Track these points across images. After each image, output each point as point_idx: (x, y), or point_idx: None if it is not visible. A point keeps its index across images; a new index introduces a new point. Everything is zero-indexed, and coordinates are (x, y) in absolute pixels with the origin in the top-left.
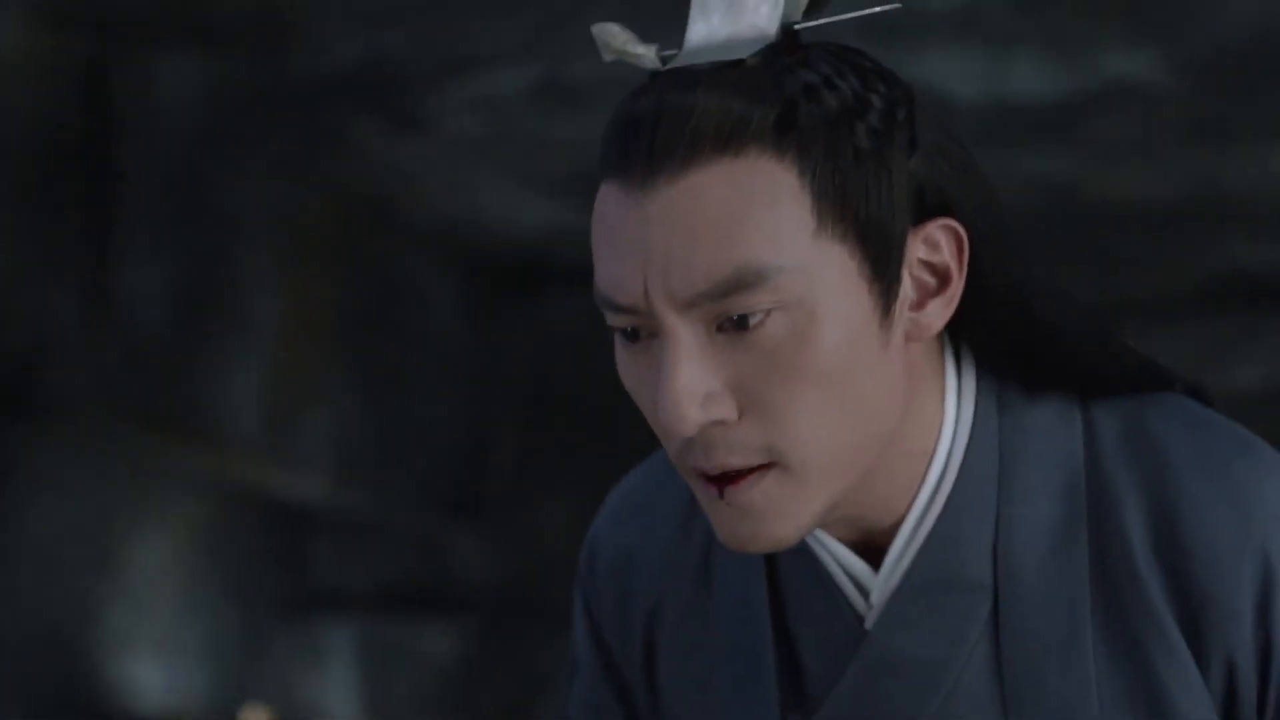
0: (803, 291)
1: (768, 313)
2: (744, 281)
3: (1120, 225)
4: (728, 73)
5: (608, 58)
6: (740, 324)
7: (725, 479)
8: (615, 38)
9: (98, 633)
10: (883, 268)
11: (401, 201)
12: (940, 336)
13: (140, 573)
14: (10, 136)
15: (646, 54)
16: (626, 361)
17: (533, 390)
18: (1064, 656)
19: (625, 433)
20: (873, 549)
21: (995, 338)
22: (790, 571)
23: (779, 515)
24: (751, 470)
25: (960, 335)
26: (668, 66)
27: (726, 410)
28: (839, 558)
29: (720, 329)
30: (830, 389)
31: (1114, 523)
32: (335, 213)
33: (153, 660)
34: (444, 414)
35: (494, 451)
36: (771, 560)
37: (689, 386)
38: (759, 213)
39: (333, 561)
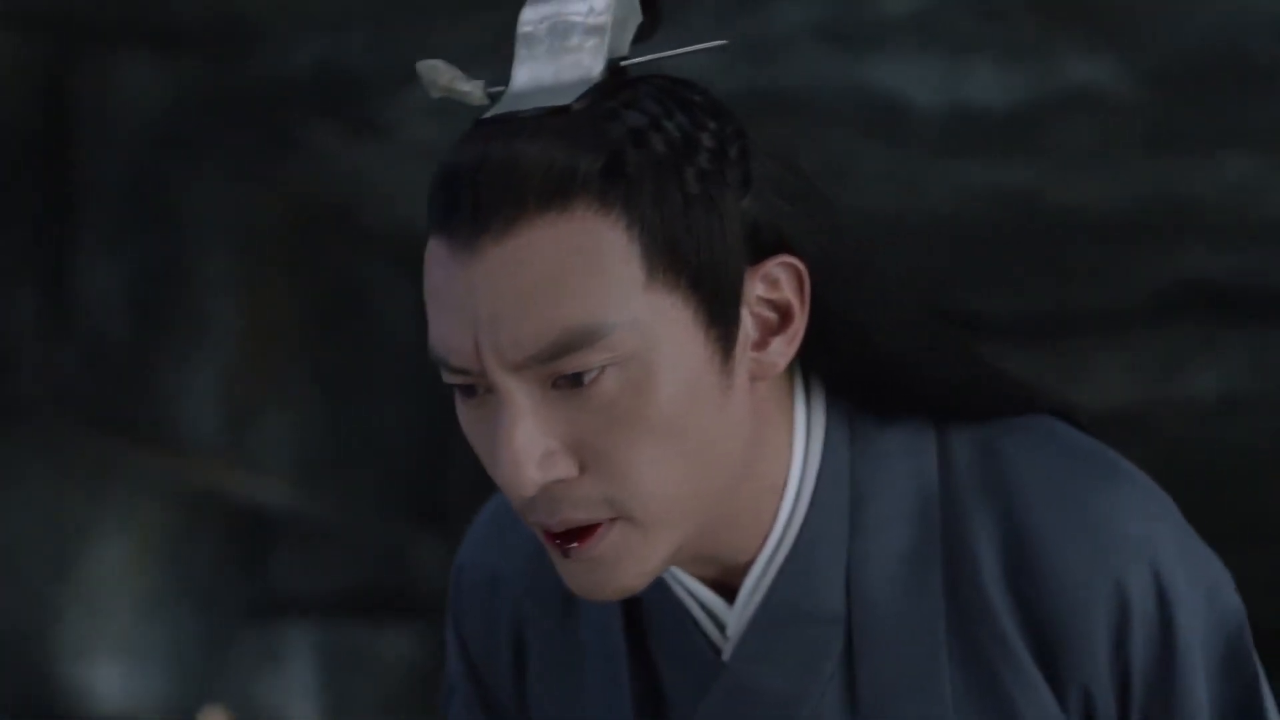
0: (636, 346)
1: (602, 369)
2: (574, 343)
3: (1078, 234)
4: (551, 121)
5: (434, 94)
6: (575, 381)
7: (569, 536)
8: (441, 75)
9: (56, 637)
10: (719, 312)
11: (360, 206)
12: (789, 370)
13: (99, 577)
14: None
15: (473, 91)
16: (466, 417)
17: None
18: (919, 687)
19: None
20: (727, 584)
21: (842, 368)
22: (650, 604)
23: (625, 565)
24: (596, 525)
25: (808, 366)
26: (491, 113)
27: (566, 468)
28: (694, 592)
29: (555, 386)
30: (670, 439)
31: (967, 552)
32: (294, 217)
33: (111, 664)
34: (404, 418)
35: (454, 455)
36: (633, 603)
37: (526, 447)
38: (586, 272)
39: (293, 566)
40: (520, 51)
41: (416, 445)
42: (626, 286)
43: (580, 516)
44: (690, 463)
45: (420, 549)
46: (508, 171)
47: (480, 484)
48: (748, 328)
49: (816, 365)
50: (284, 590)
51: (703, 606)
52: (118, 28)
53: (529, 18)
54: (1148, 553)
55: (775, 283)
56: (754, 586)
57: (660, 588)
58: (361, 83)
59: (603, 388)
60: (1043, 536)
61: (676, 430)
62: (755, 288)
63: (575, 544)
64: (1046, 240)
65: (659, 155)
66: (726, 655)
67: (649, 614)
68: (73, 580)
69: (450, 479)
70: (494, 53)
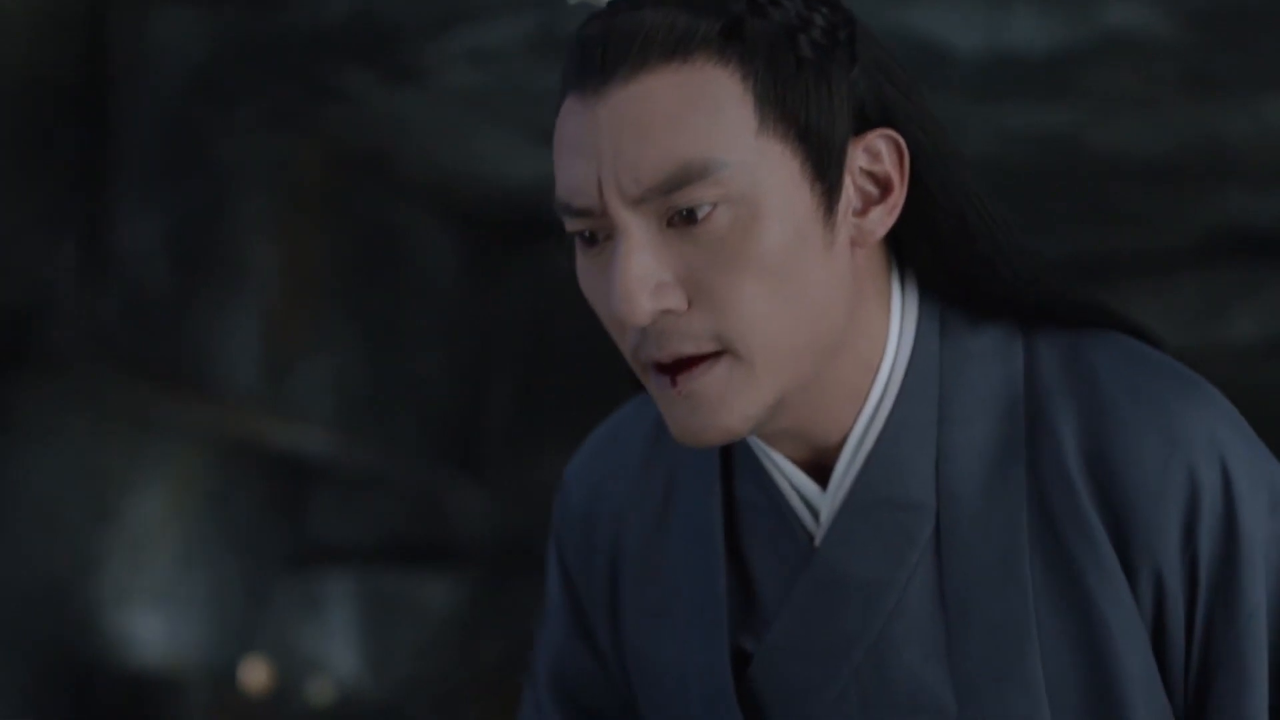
0: (747, 187)
1: (714, 206)
2: (689, 176)
3: (1119, 177)
4: None
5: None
6: (689, 217)
7: (678, 368)
8: None
9: (97, 585)
10: (824, 169)
11: (398, 153)
12: (888, 257)
13: (139, 526)
14: (6, 88)
15: None
16: (585, 267)
17: (531, 342)
18: (1002, 574)
19: (623, 386)
20: (822, 468)
21: (937, 256)
22: (746, 495)
23: (728, 404)
24: (703, 358)
25: (906, 258)
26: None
27: (676, 300)
28: (790, 476)
29: (671, 224)
30: (775, 280)
31: (1050, 445)
32: (331, 165)
33: (152, 613)
34: (442, 366)
35: (492, 403)
36: (729, 486)
37: (641, 276)
38: (703, 113)
39: (332, 514)
40: None
41: (454, 394)
42: (739, 130)
43: (688, 349)
44: (792, 306)
45: (458, 497)
46: (635, 29)
47: (518, 432)
48: (850, 193)
49: (914, 257)
50: (323, 538)
51: (799, 494)
52: None
53: None
54: (1218, 452)
55: (877, 155)
56: (845, 469)
57: (759, 477)
58: (397, 30)
59: (714, 224)
60: (1123, 426)
61: (781, 272)
62: (859, 157)
63: (683, 372)
64: (1087, 184)
65: (775, 24)
66: (818, 542)
67: (745, 506)
68: (113, 528)
69: (487, 428)
70: (531, 4)
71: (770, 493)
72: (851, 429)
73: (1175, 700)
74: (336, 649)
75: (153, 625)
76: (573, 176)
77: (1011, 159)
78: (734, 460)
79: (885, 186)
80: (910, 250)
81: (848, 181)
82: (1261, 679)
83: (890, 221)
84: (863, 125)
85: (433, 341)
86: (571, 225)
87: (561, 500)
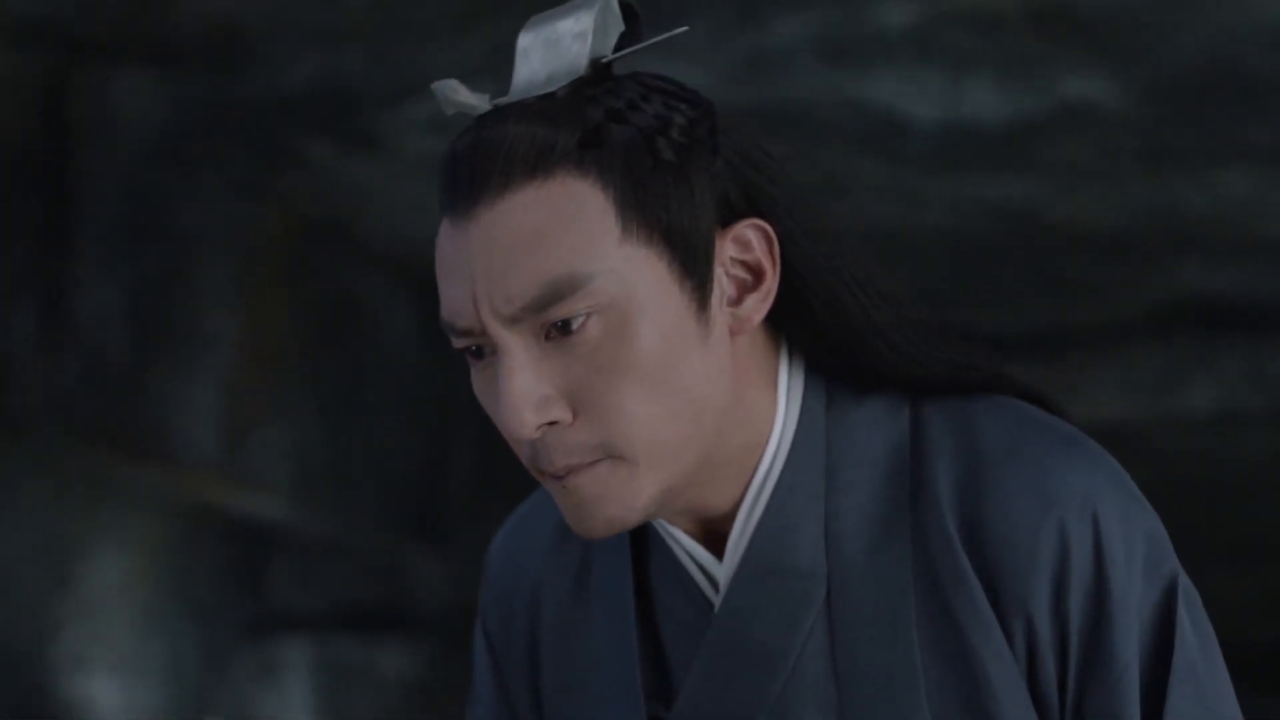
0: (616, 294)
1: (587, 316)
2: (559, 292)
3: (1075, 249)
4: (536, 105)
5: (449, 111)
6: (564, 329)
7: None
8: (455, 92)
9: (54, 650)
10: (692, 266)
11: (358, 221)
12: (774, 338)
13: (97, 591)
14: None
15: (480, 103)
16: (477, 380)
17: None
18: (890, 634)
19: None
20: (719, 538)
21: (814, 335)
22: (654, 568)
23: (613, 500)
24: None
25: (792, 340)
26: (490, 106)
27: (561, 412)
28: (688, 549)
29: (549, 337)
30: (653, 381)
31: (931, 505)
32: (292, 232)
33: (110, 678)
34: (401, 435)
35: (452, 472)
36: (641, 560)
37: (524, 392)
38: (567, 227)
39: (290, 581)
40: (518, 63)
41: (414, 462)
42: (603, 239)
43: (575, 461)
44: (673, 404)
45: (417, 565)
46: (497, 147)
47: (477, 501)
48: (724, 285)
49: (797, 338)
50: (281, 605)
51: (697, 564)
52: (116, 44)
53: (524, 37)
54: (1091, 511)
55: (747, 244)
56: (737, 539)
57: (664, 550)
58: (359, 98)
59: (588, 334)
60: (997, 486)
61: (658, 374)
62: (728, 248)
63: (570, 475)
64: (1043, 256)
65: (633, 129)
66: (716, 610)
67: (655, 585)
68: (71, 594)
69: (448, 496)
70: (489, 69)
71: (673, 565)
72: (741, 502)
73: None
74: (294, 716)
75: (110, 692)
76: (451, 298)
77: (968, 231)
78: (644, 534)
79: (758, 274)
80: (791, 330)
81: (719, 273)
82: None
83: (765, 308)
84: (730, 215)
85: (392, 410)
86: (457, 343)
87: (485, 578)
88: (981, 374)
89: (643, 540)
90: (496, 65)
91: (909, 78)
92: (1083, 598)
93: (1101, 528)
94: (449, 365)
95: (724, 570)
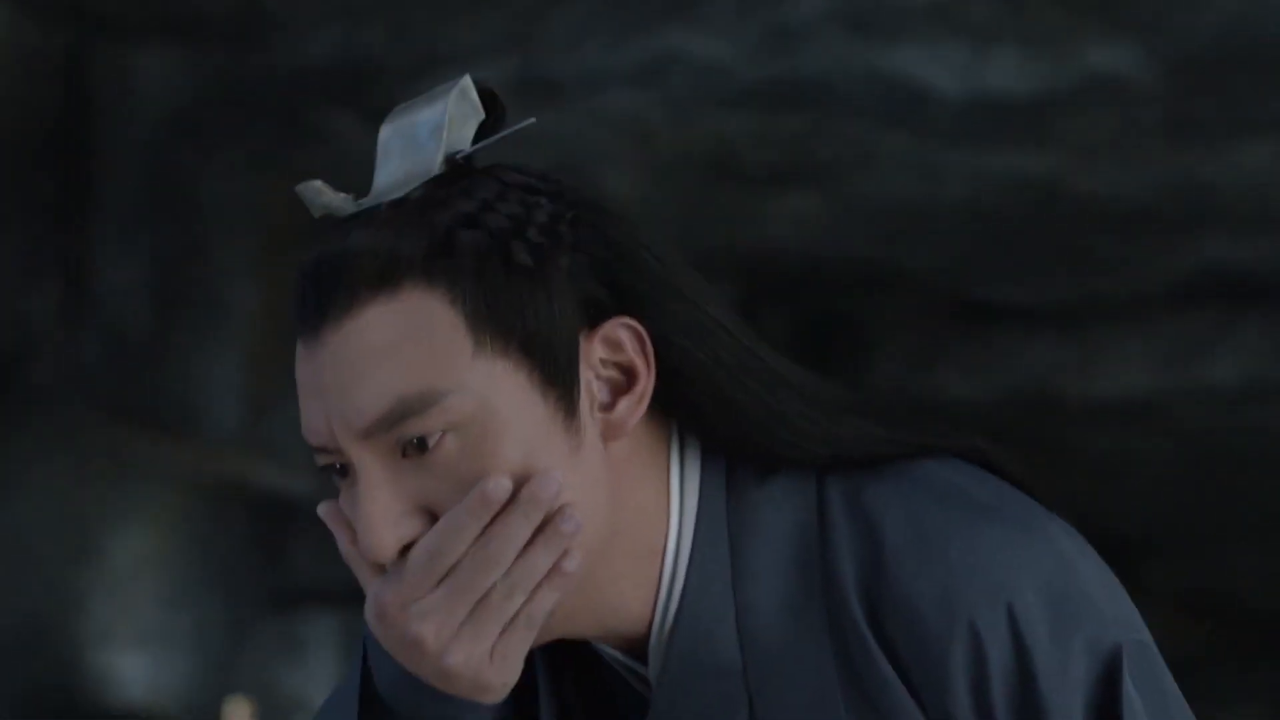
0: (472, 410)
1: (443, 434)
2: (409, 409)
3: (1098, 221)
4: (387, 211)
5: (316, 214)
6: (420, 447)
7: None
8: (319, 194)
9: (79, 626)
10: (554, 374)
11: None
12: (663, 427)
13: (122, 566)
14: None
15: (345, 205)
16: (343, 499)
17: None
18: None
19: None
20: (641, 648)
21: (705, 428)
22: (591, 671)
23: None
24: None
25: (684, 428)
26: (346, 215)
27: (420, 529)
28: (621, 660)
29: (405, 455)
30: None
31: (840, 594)
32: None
33: (135, 653)
34: None
35: None
36: (587, 664)
37: (380, 512)
38: (415, 343)
39: (314, 554)
40: (378, 161)
41: None
42: (454, 354)
43: None
44: None
45: None
46: (341, 262)
47: None
48: (594, 390)
49: (687, 425)
50: (306, 579)
51: (634, 672)
52: (139, 18)
53: (385, 130)
54: (1004, 596)
55: (617, 344)
56: (655, 647)
57: (597, 659)
58: (379, 71)
59: (445, 452)
60: (898, 579)
61: None
62: (596, 350)
63: None
64: (1066, 228)
65: (483, 234)
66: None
67: (602, 682)
68: (95, 570)
69: None
70: (508, 42)
71: (610, 676)
72: (653, 613)
73: None
74: (319, 689)
75: (135, 666)
76: (308, 417)
77: (990, 203)
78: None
79: (630, 374)
80: (680, 418)
81: (589, 378)
82: None
83: (640, 410)
84: (599, 315)
85: None
86: (319, 461)
87: None
88: (899, 444)
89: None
90: (515, 39)
91: (932, 50)
92: (1007, 696)
93: (1018, 617)
94: None
95: (653, 676)
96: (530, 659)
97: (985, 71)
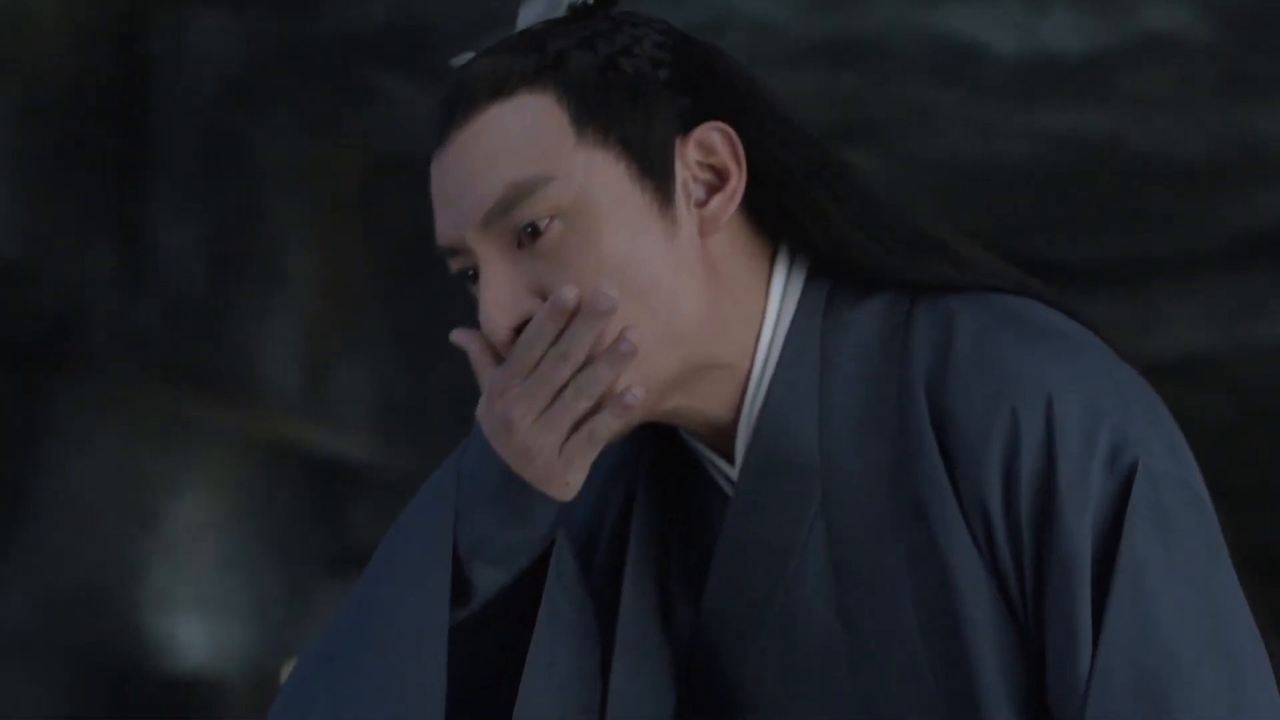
0: (575, 196)
1: (550, 219)
2: (519, 194)
3: (1155, 179)
4: (506, 41)
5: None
6: (532, 234)
7: None
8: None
9: (138, 590)
10: (650, 166)
11: None
12: (768, 247)
13: (180, 530)
14: (44, 94)
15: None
16: (477, 300)
17: None
18: (878, 530)
19: None
20: (728, 443)
21: (797, 235)
22: (696, 483)
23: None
24: None
25: (789, 247)
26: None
27: (532, 312)
28: (708, 457)
29: (520, 245)
30: (619, 278)
31: (910, 399)
32: (369, 169)
33: (194, 617)
34: None
35: None
36: (686, 476)
37: (499, 297)
38: (525, 136)
39: (372, 518)
40: (522, 9)
41: None
42: (559, 144)
43: None
44: (641, 300)
45: None
46: (464, 81)
47: None
48: (690, 187)
49: (793, 247)
50: (363, 542)
51: (720, 471)
52: None
53: (524, 7)
54: (1046, 390)
55: (710, 147)
56: (742, 441)
57: (697, 465)
58: (434, 33)
59: (553, 237)
60: (960, 373)
61: (624, 270)
62: (692, 153)
63: None
64: (1123, 186)
65: (592, 53)
66: (729, 511)
67: (695, 491)
68: (153, 534)
69: None
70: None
71: (703, 475)
72: (741, 404)
73: (1032, 650)
74: None
75: (193, 629)
76: (439, 223)
77: (1047, 161)
78: (688, 453)
79: (723, 175)
80: (786, 239)
81: (685, 176)
82: (1085, 637)
83: (731, 207)
84: (695, 120)
85: None
86: (452, 265)
87: None
88: (975, 276)
89: (686, 458)
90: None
91: (987, 7)
92: (1033, 485)
93: (1055, 414)
94: None
95: (737, 472)
96: (631, 475)
97: (1041, 29)
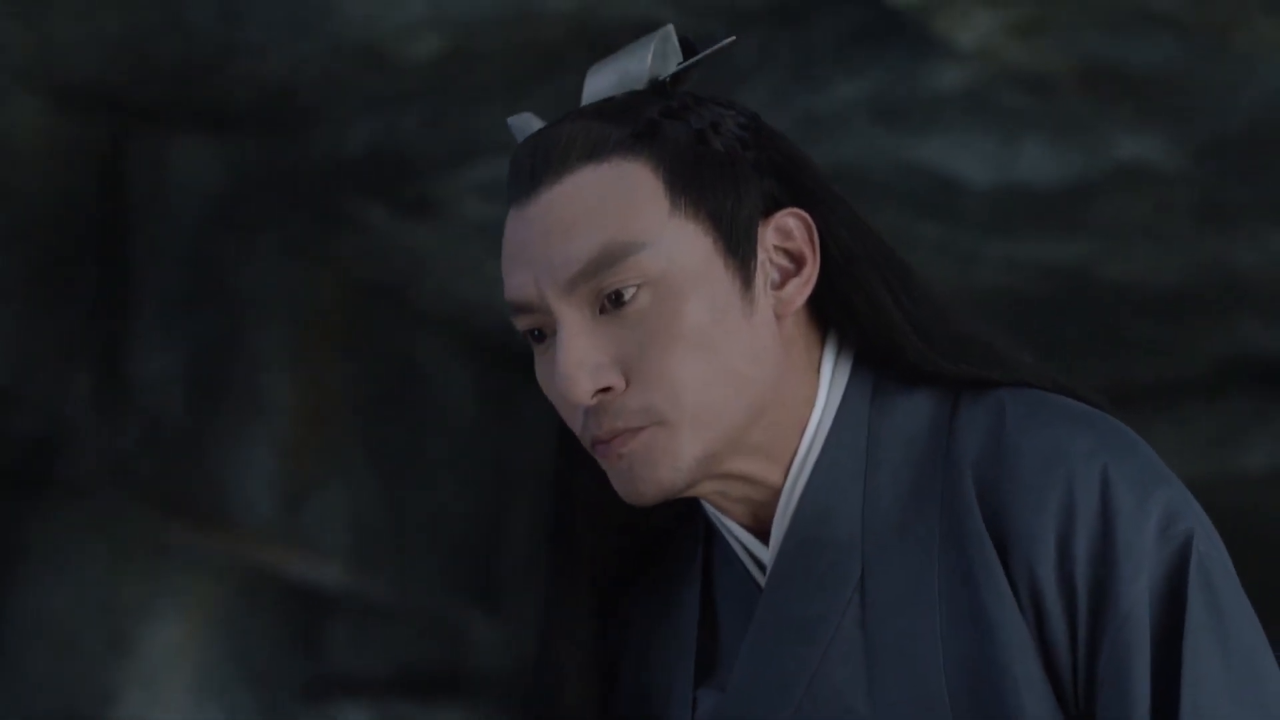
0: (665, 266)
1: (638, 288)
2: (610, 259)
3: (1131, 308)
4: (594, 107)
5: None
6: (616, 301)
7: (616, 440)
8: (531, 125)
9: (113, 715)
10: (735, 246)
11: (414, 285)
12: (820, 330)
13: (155, 655)
14: (24, 219)
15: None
16: (539, 365)
17: (547, 474)
18: (915, 605)
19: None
20: (764, 523)
21: (857, 328)
22: (716, 557)
23: (657, 462)
24: (638, 432)
25: (838, 332)
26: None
27: (614, 378)
28: (738, 536)
29: (603, 311)
30: (699, 350)
31: (957, 477)
32: (348, 296)
33: None
34: (459, 497)
35: (509, 535)
36: (708, 557)
37: (580, 360)
38: (618, 201)
39: (348, 645)
40: (589, 77)
41: (471, 526)
42: (653, 213)
43: (621, 425)
44: (715, 373)
45: (475, 629)
46: (556, 140)
47: (535, 564)
48: (767, 269)
49: (844, 333)
50: (339, 670)
51: (748, 551)
52: (171, 109)
53: (591, 71)
54: (1099, 466)
55: (789, 232)
56: (782, 515)
57: (721, 542)
58: (414, 162)
59: (639, 305)
60: (1013, 446)
61: (704, 344)
62: (771, 236)
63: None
64: (1099, 315)
65: (684, 125)
66: (763, 586)
67: (714, 567)
68: (130, 658)
69: (505, 560)
70: None
71: (728, 551)
72: (785, 481)
73: (1071, 716)
74: None
75: None
76: (514, 277)
77: (1024, 290)
78: (707, 526)
79: (799, 261)
80: (837, 325)
81: (763, 258)
82: (1142, 694)
83: (806, 292)
84: (774, 207)
85: (450, 472)
86: (520, 324)
87: None
88: (1018, 376)
89: (707, 532)
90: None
91: (963, 140)
92: (1088, 547)
93: (1110, 481)
94: (506, 428)
95: (771, 551)
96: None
97: (1016, 160)
